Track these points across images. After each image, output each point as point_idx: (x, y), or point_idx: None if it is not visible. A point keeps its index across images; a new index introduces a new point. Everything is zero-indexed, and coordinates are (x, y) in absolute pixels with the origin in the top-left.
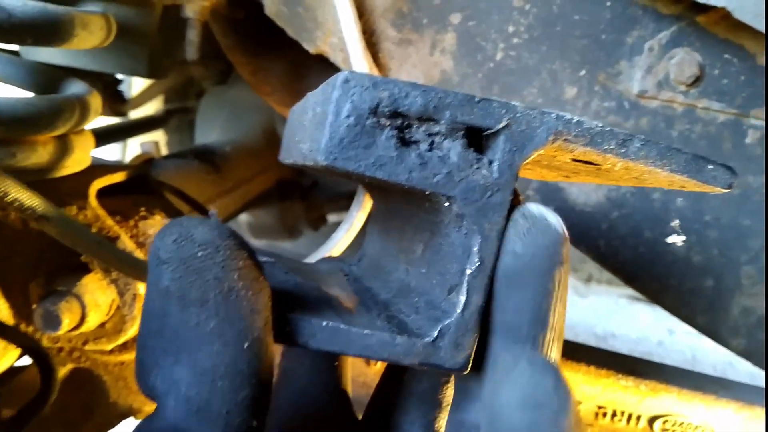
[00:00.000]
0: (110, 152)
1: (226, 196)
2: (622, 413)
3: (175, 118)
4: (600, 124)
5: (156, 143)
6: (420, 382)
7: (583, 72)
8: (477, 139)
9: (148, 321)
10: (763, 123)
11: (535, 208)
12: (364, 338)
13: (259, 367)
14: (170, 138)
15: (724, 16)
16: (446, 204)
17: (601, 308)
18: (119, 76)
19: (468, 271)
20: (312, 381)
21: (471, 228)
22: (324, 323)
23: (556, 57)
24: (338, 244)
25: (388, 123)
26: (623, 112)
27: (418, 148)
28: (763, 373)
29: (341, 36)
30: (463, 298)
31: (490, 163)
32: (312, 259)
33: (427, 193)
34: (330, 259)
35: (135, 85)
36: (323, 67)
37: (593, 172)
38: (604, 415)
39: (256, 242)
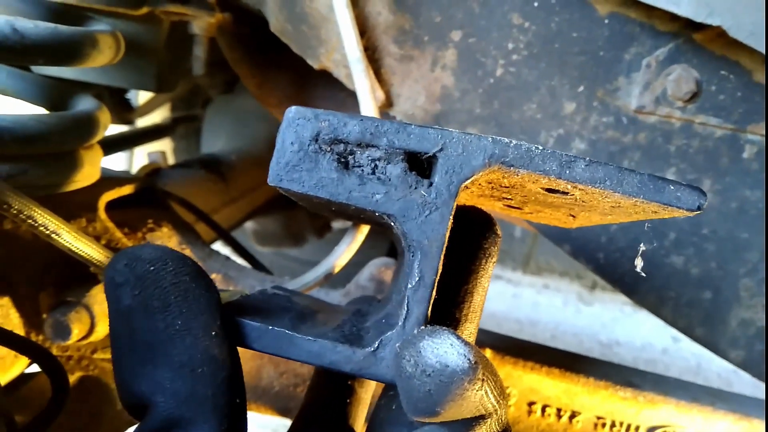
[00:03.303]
0: (117, 161)
1: (232, 204)
2: (621, 423)
3: (182, 126)
4: (541, 147)
5: (163, 153)
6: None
7: (581, 88)
8: (421, 165)
9: (119, 342)
10: (760, 138)
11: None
12: (307, 344)
13: (229, 351)
14: (177, 146)
15: (720, 33)
16: (390, 223)
17: (606, 316)
18: None
19: (409, 285)
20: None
21: (413, 244)
22: (270, 328)
23: (555, 73)
24: (341, 257)
25: (329, 149)
26: (621, 127)
27: (361, 171)
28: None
29: (344, 53)
30: (404, 311)
31: (431, 185)
32: (313, 273)
33: (369, 212)
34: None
35: (142, 93)
36: (329, 80)
37: (575, 205)
38: (603, 425)
39: (261, 249)
